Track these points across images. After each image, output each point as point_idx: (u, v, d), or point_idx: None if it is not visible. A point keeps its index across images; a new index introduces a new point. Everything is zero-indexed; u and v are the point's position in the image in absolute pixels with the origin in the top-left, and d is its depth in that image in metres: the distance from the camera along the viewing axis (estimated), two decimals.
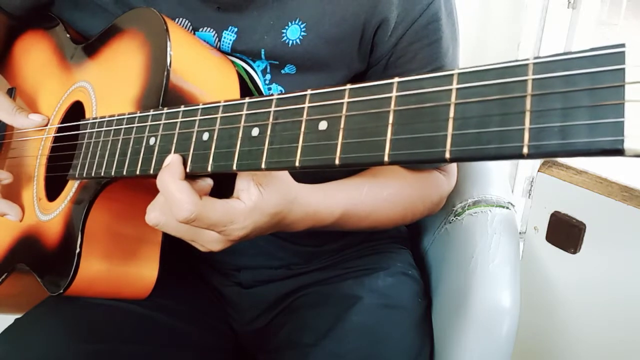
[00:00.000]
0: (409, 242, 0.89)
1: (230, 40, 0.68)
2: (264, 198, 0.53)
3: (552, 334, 1.00)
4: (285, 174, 0.56)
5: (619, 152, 0.27)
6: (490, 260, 0.74)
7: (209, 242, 0.55)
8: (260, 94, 0.70)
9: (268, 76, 0.69)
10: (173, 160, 0.49)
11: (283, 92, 0.69)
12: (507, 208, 0.82)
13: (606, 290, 0.91)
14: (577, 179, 0.92)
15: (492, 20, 1.37)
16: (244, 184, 0.52)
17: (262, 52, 0.67)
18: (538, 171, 0.95)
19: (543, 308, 0.99)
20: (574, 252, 0.93)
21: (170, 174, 0.49)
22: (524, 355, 1.02)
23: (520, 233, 0.85)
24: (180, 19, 0.69)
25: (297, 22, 0.66)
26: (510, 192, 0.87)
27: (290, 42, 0.66)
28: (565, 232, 0.93)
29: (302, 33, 0.66)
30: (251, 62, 0.70)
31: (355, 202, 0.68)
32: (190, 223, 0.49)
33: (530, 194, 0.95)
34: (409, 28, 0.66)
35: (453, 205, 0.85)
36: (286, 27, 0.66)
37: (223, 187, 0.53)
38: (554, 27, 1.33)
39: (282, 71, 0.69)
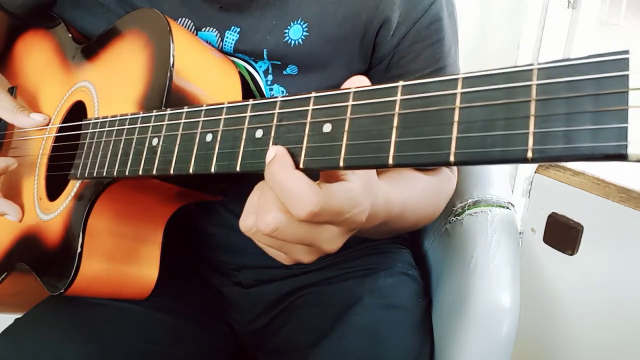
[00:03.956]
0: (409, 242, 0.90)
1: (233, 40, 0.68)
2: (367, 176, 0.46)
3: (550, 334, 1.00)
4: None
5: (622, 157, 0.27)
6: (490, 260, 0.74)
7: (328, 240, 0.46)
8: (262, 94, 0.70)
9: (270, 77, 0.70)
10: (279, 151, 0.42)
11: (285, 92, 0.69)
12: (507, 208, 0.82)
13: (604, 291, 0.91)
14: (575, 180, 0.92)
15: (492, 20, 1.37)
16: None
17: (265, 52, 0.67)
18: (535, 172, 0.96)
19: (541, 309, 1.00)
20: (572, 254, 0.93)
21: (282, 165, 0.42)
22: (523, 355, 1.03)
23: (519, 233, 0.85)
24: (183, 19, 0.70)
25: (299, 22, 0.66)
26: (510, 192, 0.87)
27: (293, 42, 0.67)
28: (562, 234, 0.93)
29: (305, 33, 0.66)
30: (253, 63, 0.70)
31: (406, 195, 0.62)
32: (314, 218, 0.42)
33: (529, 194, 0.95)
34: (411, 28, 0.67)
35: (453, 205, 0.85)
36: (288, 27, 0.66)
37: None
38: (554, 27, 1.33)
39: (284, 72, 0.69)
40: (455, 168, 0.80)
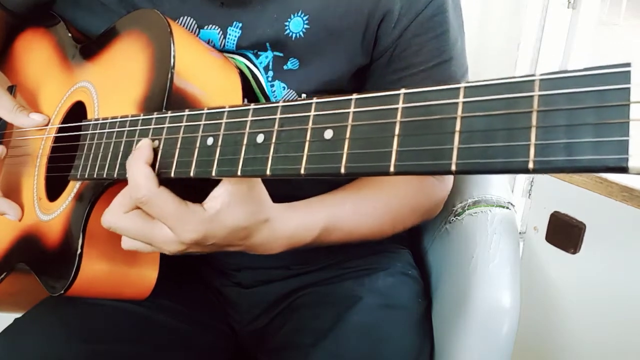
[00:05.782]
0: (409, 242, 0.90)
1: (235, 36, 0.68)
2: (228, 211, 0.53)
3: (552, 333, 1.00)
4: (264, 194, 0.56)
5: (623, 170, 0.27)
6: (490, 260, 0.74)
7: (164, 241, 0.55)
8: (264, 91, 0.70)
9: (270, 73, 0.69)
10: (142, 144, 0.53)
11: (286, 88, 0.69)
12: (507, 208, 0.82)
13: (606, 290, 0.91)
14: (577, 179, 0.92)
15: (492, 20, 1.37)
16: (218, 192, 0.52)
17: (267, 44, 0.67)
18: None
19: (543, 308, 1.00)
20: (574, 252, 0.93)
21: (138, 157, 0.52)
22: (523, 355, 1.03)
23: (520, 233, 0.85)
24: (185, 17, 0.69)
25: (299, 14, 0.66)
26: (510, 192, 0.87)
27: (294, 34, 0.67)
28: (565, 232, 0.93)
29: (305, 25, 0.66)
30: (255, 59, 0.69)
31: (337, 220, 0.67)
32: (142, 206, 0.52)
33: (530, 194, 0.95)
34: (413, 20, 0.66)
35: (453, 205, 0.85)
36: (289, 20, 0.66)
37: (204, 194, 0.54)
38: (554, 27, 1.32)
39: (285, 67, 0.69)
40: (445, 179, 0.79)
